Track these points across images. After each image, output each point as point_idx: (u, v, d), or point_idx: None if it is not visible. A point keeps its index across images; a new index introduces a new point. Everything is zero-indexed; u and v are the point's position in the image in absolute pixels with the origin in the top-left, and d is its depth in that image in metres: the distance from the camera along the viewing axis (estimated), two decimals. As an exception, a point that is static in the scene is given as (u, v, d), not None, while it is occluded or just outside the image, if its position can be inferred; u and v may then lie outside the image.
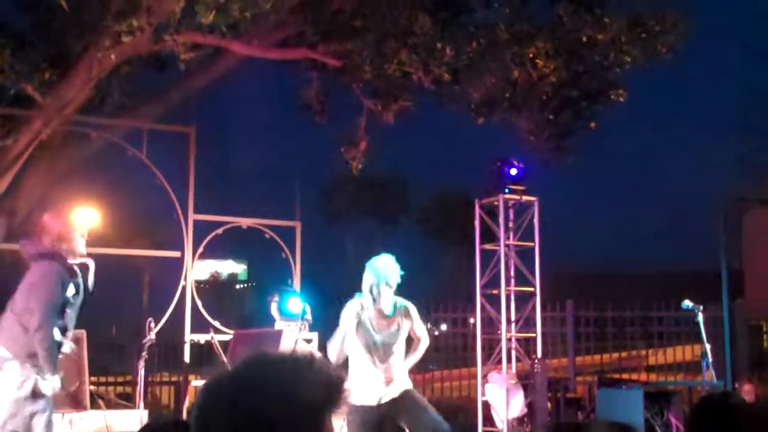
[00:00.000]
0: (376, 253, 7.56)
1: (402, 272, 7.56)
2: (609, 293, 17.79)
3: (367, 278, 7.45)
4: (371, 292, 7.40)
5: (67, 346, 6.93)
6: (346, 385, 2.05)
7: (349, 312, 7.41)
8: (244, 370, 2.02)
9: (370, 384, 7.36)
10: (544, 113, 12.78)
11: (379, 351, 7.44)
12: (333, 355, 7.38)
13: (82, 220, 24.84)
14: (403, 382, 7.44)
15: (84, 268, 7.02)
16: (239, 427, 1.92)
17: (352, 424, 7.27)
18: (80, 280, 6.93)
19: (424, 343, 7.67)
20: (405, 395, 7.42)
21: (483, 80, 12.12)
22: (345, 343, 7.39)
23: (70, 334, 7.01)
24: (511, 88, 12.41)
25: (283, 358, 2.04)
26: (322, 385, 1.99)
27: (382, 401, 7.34)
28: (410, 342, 7.73)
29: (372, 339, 7.43)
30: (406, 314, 7.57)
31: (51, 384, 6.65)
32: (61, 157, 12.87)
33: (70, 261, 6.89)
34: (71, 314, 6.93)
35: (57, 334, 6.75)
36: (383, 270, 7.46)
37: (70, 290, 6.84)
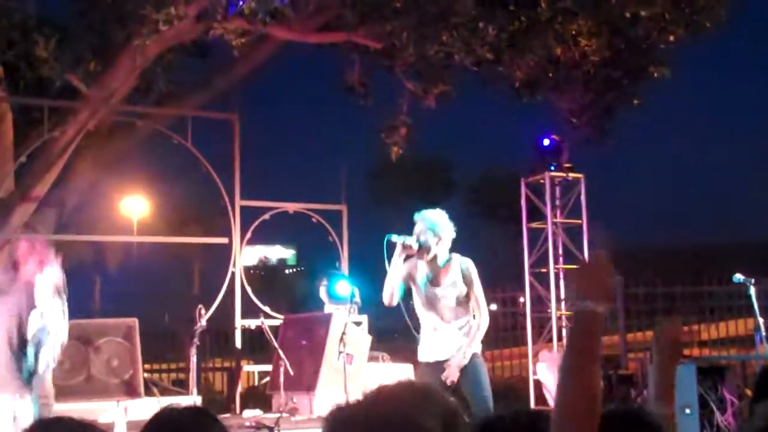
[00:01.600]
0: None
1: (455, 230, 7.46)
2: (659, 269, 17.67)
3: (416, 227, 7.38)
4: (418, 239, 7.32)
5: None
6: (462, 414, 2.09)
7: (390, 248, 7.36)
8: (366, 403, 2.06)
9: (429, 341, 7.31)
10: (587, 93, 12.67)
11: (438, 306, 7.37)
12: (387, 295, 7.31)
13: (132, 210, 24.98)
14: (469, 345, 7.32)
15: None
16: None
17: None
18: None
19: (485, 315, 7.51)
20: (471, 361, 7.30)
21: (525, 59, 12.03)
22: (396, 279, 7.31)
23: (44, 365, 7.04)
24: (554, 67, 12.31)
25: (403, 390, 2.07)
26: (441, 415, 2.02)
27: (439, 360, 7.27)
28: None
29: (430, 292, 7.37)
30: (466, 271, 7.45)
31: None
32: (108, 147, 12.97)
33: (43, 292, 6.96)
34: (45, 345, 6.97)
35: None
36: (431, 218, 7.38)
37: (38, 323, 6.91)
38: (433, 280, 7.39)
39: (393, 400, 2.04)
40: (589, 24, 11.88)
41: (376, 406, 2.03)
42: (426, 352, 7.29)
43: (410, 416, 1.98)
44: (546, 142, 12.26)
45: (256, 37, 12.04)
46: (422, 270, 7.40)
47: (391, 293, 7.28)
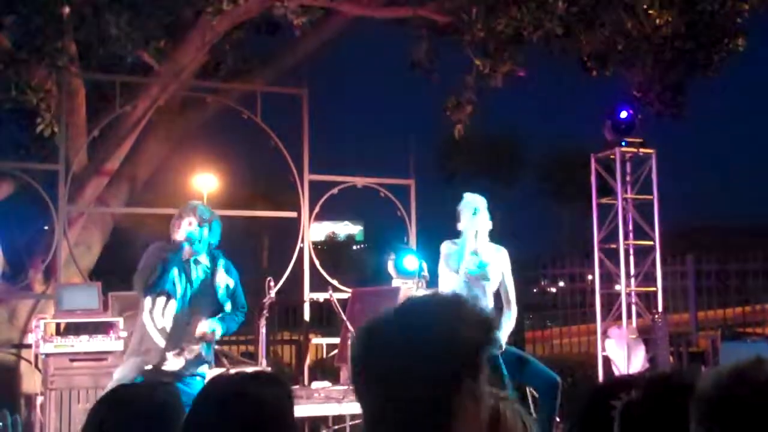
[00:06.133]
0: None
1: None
2: (731, 245, 17.42)
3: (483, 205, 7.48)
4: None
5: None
6: (496, 323, 2.06)
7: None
8: (402, 312, 2.03)
9: None
10: (658, 66, 12.48)
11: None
12: None
13: (202, 185, 25.18)
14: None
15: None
16: (400, 366, 1.94)
17: None
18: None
19: (513, 309, 7.49)
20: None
21: (595, 33, 11.89)
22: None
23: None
24: (624, 41, 12.15)
25: (438, 300, 2.06)
26: (476, 324, 2.00)
27: None
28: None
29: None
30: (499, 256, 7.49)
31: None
32: (178, 122, 13.14)
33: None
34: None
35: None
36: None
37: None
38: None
39: (427, 308, 2.03)
40: (660, -4, 11.70)
41: (410, 317, 2.02)
42: None
43: (442, 324, 1.96)
44: (624, 114, 12.09)
45: (324, 12, 12.06)
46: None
47: None
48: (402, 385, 1.93)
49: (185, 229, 6.82)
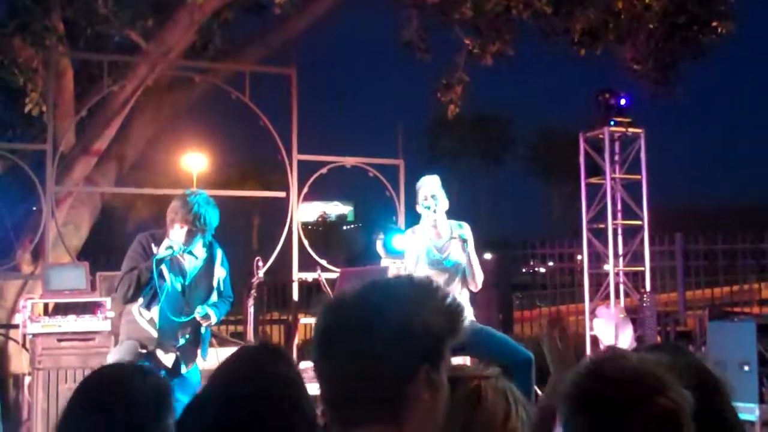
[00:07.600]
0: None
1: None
2: (719, 225, 17.44)
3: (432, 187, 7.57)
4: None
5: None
6: (465, 314, 2.04)
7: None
8: (365, 293, 2.01)
9: None
10: (650, 42, 12.44)
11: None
12: None
13: (192, 165, 25.09)
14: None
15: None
16: (360, 348, 1.92)
17: None
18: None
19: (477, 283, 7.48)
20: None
21: (585, 12, 11.87)
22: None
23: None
24: (615, 19, 12.11)
25: (405, 283, 2.03)
26: (443, 313, 1.97)
27: None
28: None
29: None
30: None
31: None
32: (166, 102, 13.09)
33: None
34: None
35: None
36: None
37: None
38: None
39: (391, 291, 2.00)
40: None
41: (375, 297, 1.98)
42: None
43: (404, 308, 1.93)
44: (622, 101, 12.06)
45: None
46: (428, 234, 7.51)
47: None
48: (358, 366, 1.91)
49: (176, 234, 6.62)
